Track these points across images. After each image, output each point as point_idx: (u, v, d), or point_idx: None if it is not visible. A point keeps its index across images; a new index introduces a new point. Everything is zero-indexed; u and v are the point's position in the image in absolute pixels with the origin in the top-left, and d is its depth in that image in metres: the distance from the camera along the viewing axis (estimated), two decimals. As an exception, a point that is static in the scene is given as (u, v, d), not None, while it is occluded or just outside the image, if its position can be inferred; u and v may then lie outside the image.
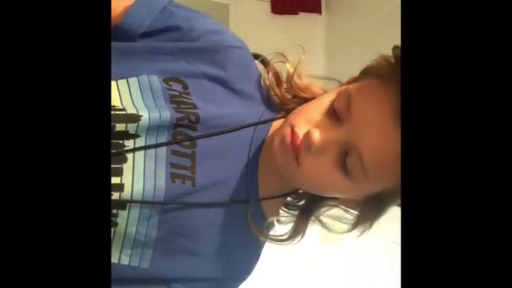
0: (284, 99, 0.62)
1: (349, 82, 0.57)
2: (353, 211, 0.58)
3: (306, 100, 0.60)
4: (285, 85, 0.62)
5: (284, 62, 0.62)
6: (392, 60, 0.52)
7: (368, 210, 0.56)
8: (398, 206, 0.54)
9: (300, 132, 0.51)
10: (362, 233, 0.58)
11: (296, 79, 0.61)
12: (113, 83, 0.54)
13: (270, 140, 0.56)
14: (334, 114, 0.51)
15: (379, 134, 0.49)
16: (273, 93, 0.62)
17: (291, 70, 0.61)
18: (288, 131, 0.51)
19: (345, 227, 0.58)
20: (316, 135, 0.50)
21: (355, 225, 0.57)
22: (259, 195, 0.58)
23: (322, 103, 0.53)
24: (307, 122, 0.52)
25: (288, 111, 0.61)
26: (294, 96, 0.62)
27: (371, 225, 0.57)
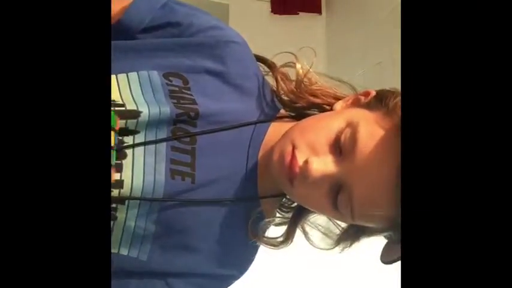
0: (293, 99, 0.61)
1: (365, 96, 0.56)
2: (339, 223, 0.59)
3: (315, 103, 0.59)
4: (293, 86, 0.61)
5: (293, 66, 0.61)
6: None
7: (350, 232, 0.58)
8: (384, 238, 0.55)
9: (300, 157, 0.50)
10: (343, 249, 0.59)
11: (305, 81, 0.61)
12: (113, 77, 0.54)
13: (271, 148, 0.56)
14: (338, 147, 0.50)
15: (376, 188, 0.48)
16: (282, 93, 0.62)
17: (301, 72, 0.60)
18: (289, 150, 0.51)
19: (329, 242, 0.59)
20: (315, 167, 0.49)
21: (337, 243, 0.59)
22: (259, 194, 0.58)
23: (330, 130, 0.51)
24: (309, 148, 0.51)
25: (295, 109, 0.61)
26: (304, 97, 0.61)
27: (351, 244, 0.59)
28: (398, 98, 0.52)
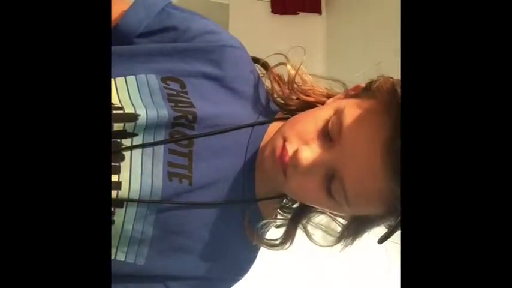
0: (287, 100, 0.61)
1: (354, 90, 0.56)
2: (340, 220, 0.59)
3: (309, 102, 0.60)
4: (286, 87, 0.62)
5: (285, 64, 0.61)
6: (398, 89, 0.49)
7: (352, 227, 0.57)
8: (385, 227, 0.54)
9: (290, 148, 0.51)
10: (344, 247, 0.58)
11: (298, 82, 0.61)
12: (111, 80, 0.54)
13: (264, 146, 0.56)
14: (327, 134, 0.50)
15: (364, 167, 0.48)
16: (276, 96, 0.62)
17: (292, 72, 0.61)
18: (280, 144, 0.51)
19: (330, 239, 0.59)
20: (304, 155, 0.50)
21: (338, 240, 0.58)
22: (256, 196, 0.58)
23: (318, 119, 0.52)
24: (299, 138, 0.51)
25: (290, 112, 0.61)
26: (297, 98, 0.61)
27: (353, 241, 0.58)
28: (381, 80, 0.53)
